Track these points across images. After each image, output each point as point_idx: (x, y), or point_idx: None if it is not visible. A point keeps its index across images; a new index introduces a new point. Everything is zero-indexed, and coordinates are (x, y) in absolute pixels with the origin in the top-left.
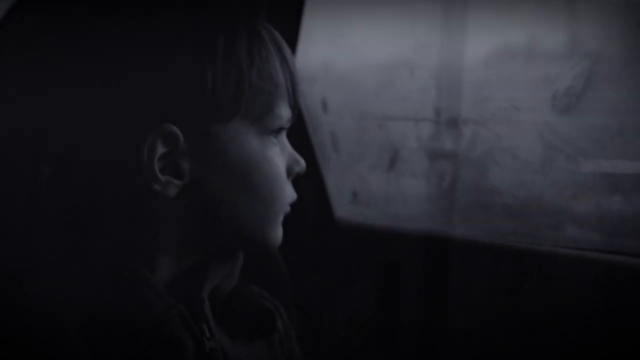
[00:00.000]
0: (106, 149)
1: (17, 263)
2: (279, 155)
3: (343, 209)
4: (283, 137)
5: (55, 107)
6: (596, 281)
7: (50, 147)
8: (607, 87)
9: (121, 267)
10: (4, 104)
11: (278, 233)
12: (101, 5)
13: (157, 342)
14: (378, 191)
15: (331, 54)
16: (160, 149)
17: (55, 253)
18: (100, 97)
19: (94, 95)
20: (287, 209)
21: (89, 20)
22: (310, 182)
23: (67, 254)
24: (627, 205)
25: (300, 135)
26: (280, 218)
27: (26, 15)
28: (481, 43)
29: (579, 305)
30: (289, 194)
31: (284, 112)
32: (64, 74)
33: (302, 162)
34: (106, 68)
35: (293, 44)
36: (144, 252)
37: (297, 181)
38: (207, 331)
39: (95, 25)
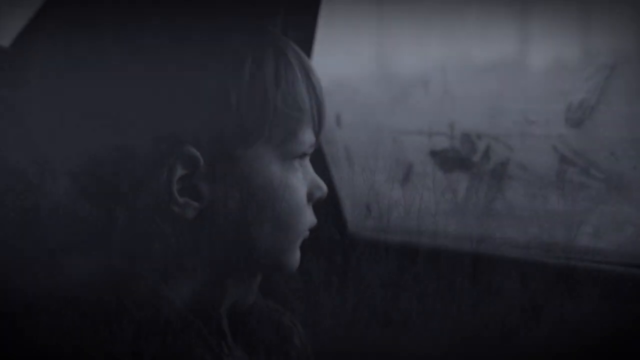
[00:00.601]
0: (127, 167)
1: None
2: (301, 181)
3: (357, 223)
4: (306, 161)
5: (79, 122)
6: (612, 295)
7: (71, 162)
8: (621, 99)
9: (140, 282)
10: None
11: (295, 257)
12: (128, 25)
13: (175, 358)
14: (392, 205)
15: (345, 67)
16: (180, 171)
17: (75, 264)
18: (124, 115)
19: (118, 113)
20: (306, 234)
21: (115, 39)
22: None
23: (86, 263)
24: None
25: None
26: (299, 243)
27: (53, 27)
28: (495, 56)
29: (595, 319)
30: (309, 218)
31: (308, 138)
32: (89, 93)
33: (324, 187)
34: (131, 87)
35: (307, 57)
36: (162, 270)
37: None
38: (225, 347)
39: (121, 45)
